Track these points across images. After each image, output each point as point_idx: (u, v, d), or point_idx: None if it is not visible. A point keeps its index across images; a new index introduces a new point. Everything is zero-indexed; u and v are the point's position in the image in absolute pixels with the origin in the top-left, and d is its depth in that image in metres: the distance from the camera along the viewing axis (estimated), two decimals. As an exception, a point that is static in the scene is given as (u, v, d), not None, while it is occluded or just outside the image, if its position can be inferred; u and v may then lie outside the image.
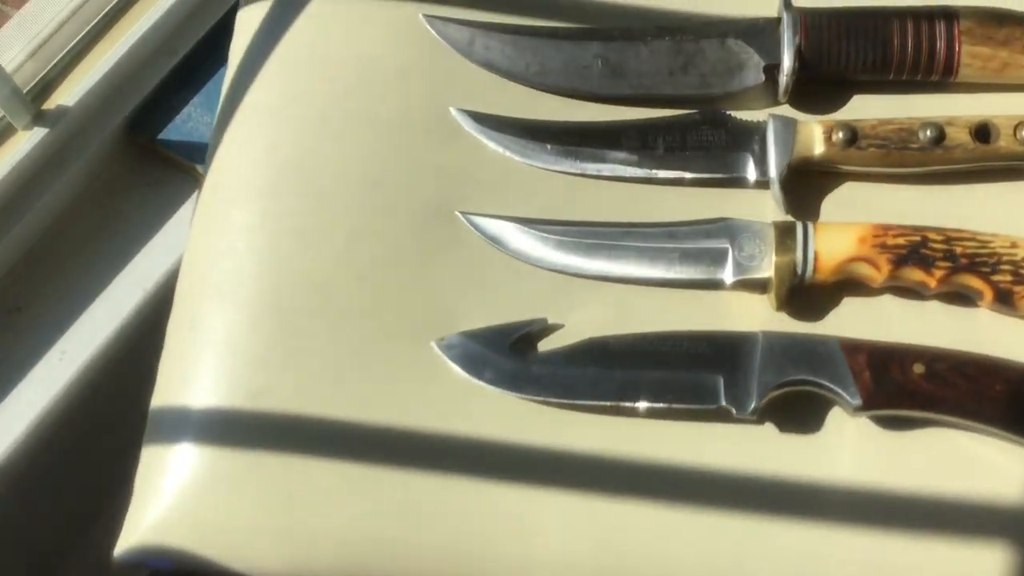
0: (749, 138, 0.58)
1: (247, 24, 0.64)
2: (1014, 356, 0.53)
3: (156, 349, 0.58)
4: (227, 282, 0.56)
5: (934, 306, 0.55)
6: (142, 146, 0.79)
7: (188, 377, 0.55)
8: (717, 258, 0.55)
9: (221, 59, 0.78)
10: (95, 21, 0.79)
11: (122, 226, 0.78)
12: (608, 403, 0.53)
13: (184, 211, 0.79)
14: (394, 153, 0.59)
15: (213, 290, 0.56)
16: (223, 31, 0.75)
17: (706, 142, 0.58)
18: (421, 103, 0.60)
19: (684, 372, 0.53)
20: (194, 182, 0.79)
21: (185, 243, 0.61)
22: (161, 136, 0.79)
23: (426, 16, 0.62)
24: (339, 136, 0.59)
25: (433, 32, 0.62)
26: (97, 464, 0.79)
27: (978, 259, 0.53)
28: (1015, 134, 0.55)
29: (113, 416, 0.76)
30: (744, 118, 0.59)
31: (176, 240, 0.77)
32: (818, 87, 0.60)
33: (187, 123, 0.79)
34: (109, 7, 0.80)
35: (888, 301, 0.55)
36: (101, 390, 0.75)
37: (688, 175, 0.58)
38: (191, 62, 0.80)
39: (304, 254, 0.57)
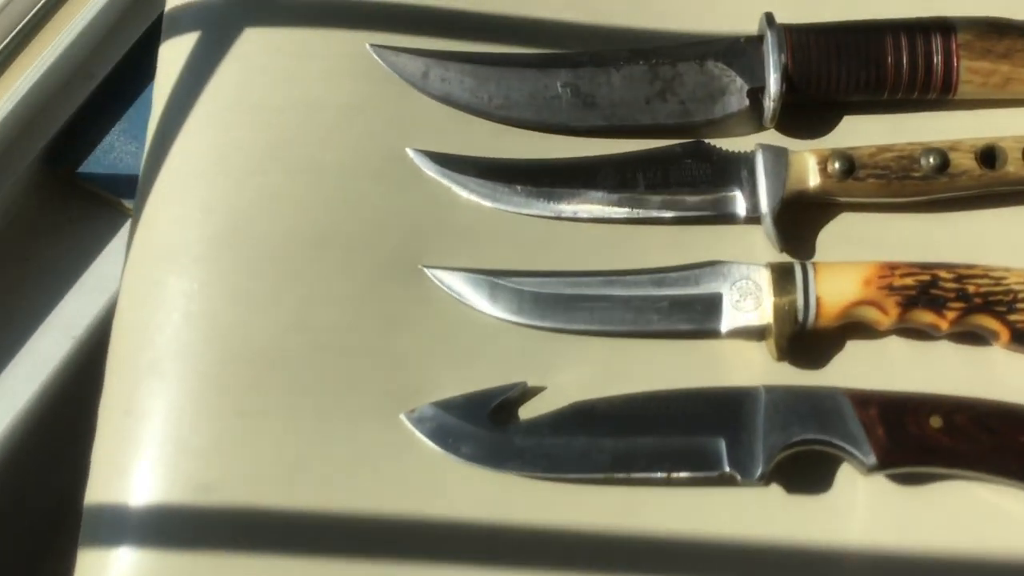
0: (737, 171, 0.53)
1: (170, 62, 0.57)
2: (1031, 396, 0.49)
3: (91, 404, 0.52)
4: (164, 358, 0.50)
5: (945, 347, 0.51)
6: (62, 180, 0.73)
7: (126, 470, 0.49)
8: (710, 306, 0.51)
9: (144, 82, 0.73)
10: (1, 45, 0.72)
11: (44, 269, 0.72)
12: (600, 475, 0.48)
13: (112, 248, 0.73)
14: (346, 203, 0.53)
15: (148, 368, 0.50)
16: (145, 51, 0.70)
17: (690, 177, 0.53)
18: (373, 145, 0.54)
19: (682, 437, 0.48)
20: (121, 216, 0.73)
21: (116, 289, 0.55)
22: (82, 169, 0.73)
23: (374, 46, 0.56)
24: (282, 187, 0.53)
25: (383, 64, 0.56)
26: (28, 540, 0.73)
27: (992, 298, 0.49)
28: (1024, 157, 0.51)
29: (45, 485, 0.71)
30: (730, 149, 0.54)
31: (105, 281, 0.71)
32: (807, 110, 0.55)
33: (110, 153, 0.73)
34: (17, 29, 0.73)
35: (896, 343, 0.51)
36: (30, 455, 0.69)
37: (672, 213, 0.53)
38: (111, 86, 0.74)
39: (250, 323, 0.51)
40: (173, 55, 0.57)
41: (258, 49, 0.56)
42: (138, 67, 0.72)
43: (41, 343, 0.69)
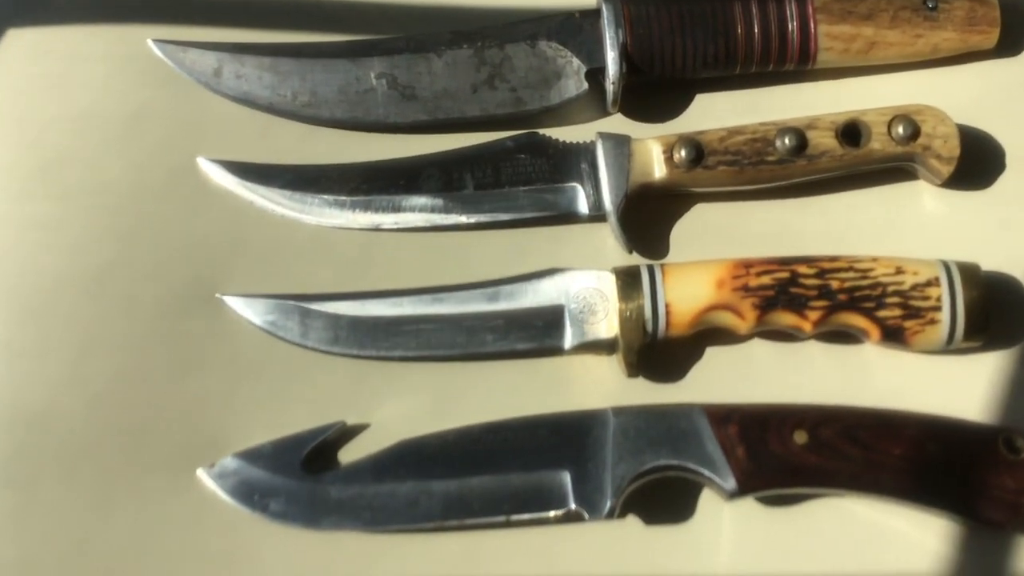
0: (576, 164, 0.47)
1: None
2: (908, 396, 0.45)
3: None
4: (-81, 425, 0.43)
5: (813, 347, 0.46)
6: None
7: None
8: (551, 320, 0.45)
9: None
10: None
11: None
12: (431, 524, 0.42)
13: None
14: (128, 229, 0.47)
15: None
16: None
17: (525, 174, 0.47)
18: (160, 157, 0.48)
19: (522, 473, 0.43)
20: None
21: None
22: None
23: (157, 42, 0.49)
24: (53, 215, 0.47)
25: (169, 62, 0.49)
26: None
27: (859, 293, 0.44)
28: (890, 132, 0.46)
29: None
30: (569, 139, 0.48)
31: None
32: (654, 90, 0.50)
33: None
34: None
35: (760, 347, 0.47)
36: None
37: (507, 216, 0.47)
38: None
39: (17, 380, 0.45)
40: (-76, 65, 0.50)
41: (24, 54, 0.49)
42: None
43: None
